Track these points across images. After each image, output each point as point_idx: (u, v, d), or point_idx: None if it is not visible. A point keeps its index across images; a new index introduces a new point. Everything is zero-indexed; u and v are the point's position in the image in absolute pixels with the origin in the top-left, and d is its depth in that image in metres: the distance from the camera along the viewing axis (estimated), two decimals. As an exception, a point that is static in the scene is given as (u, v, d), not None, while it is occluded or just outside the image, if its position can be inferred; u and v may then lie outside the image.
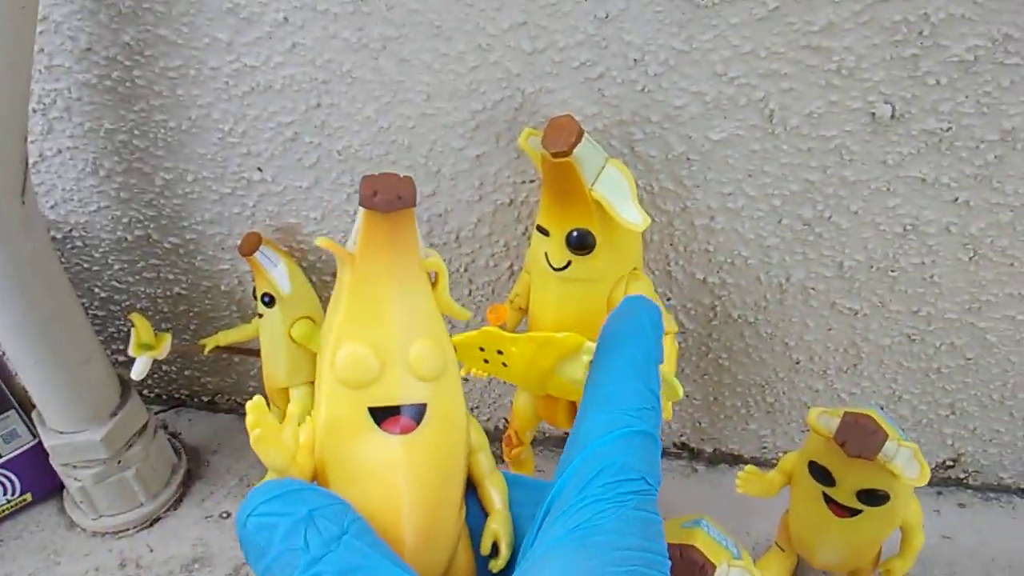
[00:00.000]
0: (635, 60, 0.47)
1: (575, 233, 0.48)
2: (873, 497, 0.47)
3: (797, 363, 0.60)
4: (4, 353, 0.60)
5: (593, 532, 0.23)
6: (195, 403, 0.77)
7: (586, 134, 0.45)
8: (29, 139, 0.53)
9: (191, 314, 0.68)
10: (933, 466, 0.64)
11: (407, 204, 0.28)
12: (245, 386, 0.73)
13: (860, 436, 0.44)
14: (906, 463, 0.45)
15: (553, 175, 0.47)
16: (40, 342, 0.55)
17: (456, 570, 0.27)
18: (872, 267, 0.53)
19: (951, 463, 0.64)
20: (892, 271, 0.53)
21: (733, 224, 0.53)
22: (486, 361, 0.52)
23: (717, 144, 0.49)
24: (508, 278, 0.60)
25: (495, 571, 0.28)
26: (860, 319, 0.56)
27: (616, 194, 0.46)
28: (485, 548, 0.28)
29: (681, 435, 0.68)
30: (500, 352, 0.52)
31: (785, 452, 0.54)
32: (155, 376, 0.75)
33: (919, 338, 0.56)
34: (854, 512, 0.49)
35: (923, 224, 0.51)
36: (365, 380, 0.26)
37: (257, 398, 0.25)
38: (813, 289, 0.55)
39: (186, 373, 0.74)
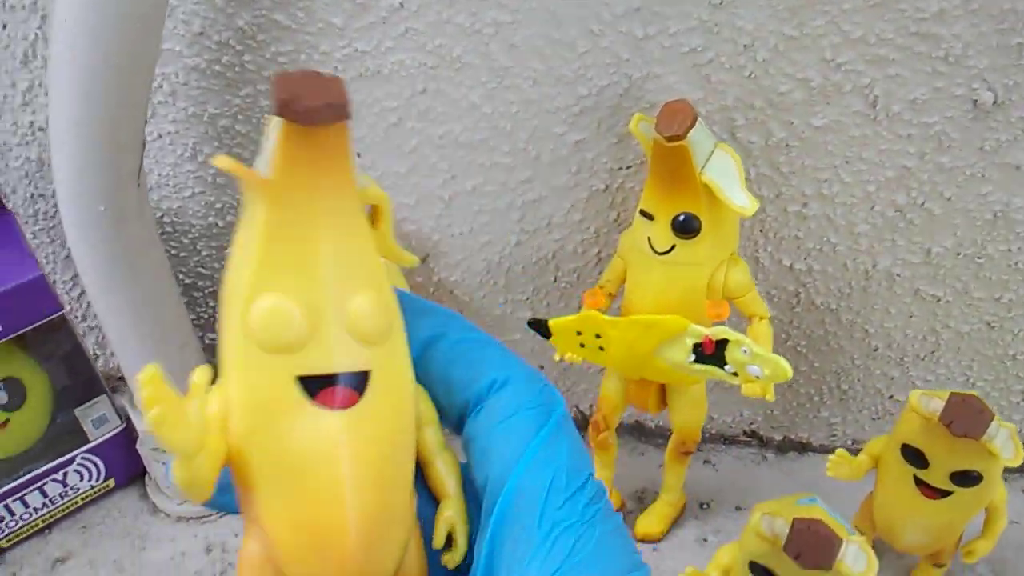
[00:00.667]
0: (745, 46, 0.49)
1: (682, 217, 0.49)
2: (966, 478, 0.48)
3: (875, 350, 0.61)
4: (103, 336, 0.60)
5: (581, 571, 0.20)
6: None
7: (699, 118, 0.47)
8: (139, 123, 0.54)
9: (272, 302, 0.69)
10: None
11: (341, 116, 0.21)
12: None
13: (968, 416, 0.45)
14: (1004, 443, 0.47)
15: (664, 159, 0.48)
16: (144, 325, 0.56)
17: (407, 569, 0.22)
18: (959, 254, 0.55)
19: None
20: (979, 258, 0.55)
21: (825, 210, 0.55)
22: (582, 345, 0.54)
23: (818, 130, 0.51)
24: (595, 265, 0.61)
25: (451, 567, 0.23)
26: (942, 306, 0.58)
27: (726, 178, 0.48)
28: (439, 540, 0.23)
29: (752, 423, 0.69)
30: (598, 336, 0.53)
31: (854, 440, 0.56)
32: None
33: (998, 325, 0.58)
34: (945, 494, 0.50)
35: (1013, 211, 0.52)
36: (290, 343, 0.20)
37: (150, 367, 0.19)
38: (898, 276, 0.57)
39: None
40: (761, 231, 0.57)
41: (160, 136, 0.59)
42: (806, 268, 0.58)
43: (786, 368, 0.44)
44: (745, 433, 0.71)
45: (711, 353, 0.48)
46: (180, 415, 0.19)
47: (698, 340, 0.48)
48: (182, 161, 0.61)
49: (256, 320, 0.20)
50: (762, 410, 0.68)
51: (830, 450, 0.68)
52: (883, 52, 0.47)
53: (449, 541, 0.23)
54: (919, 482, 0.50)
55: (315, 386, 0.20)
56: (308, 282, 0.21)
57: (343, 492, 0.20)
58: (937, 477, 0.49)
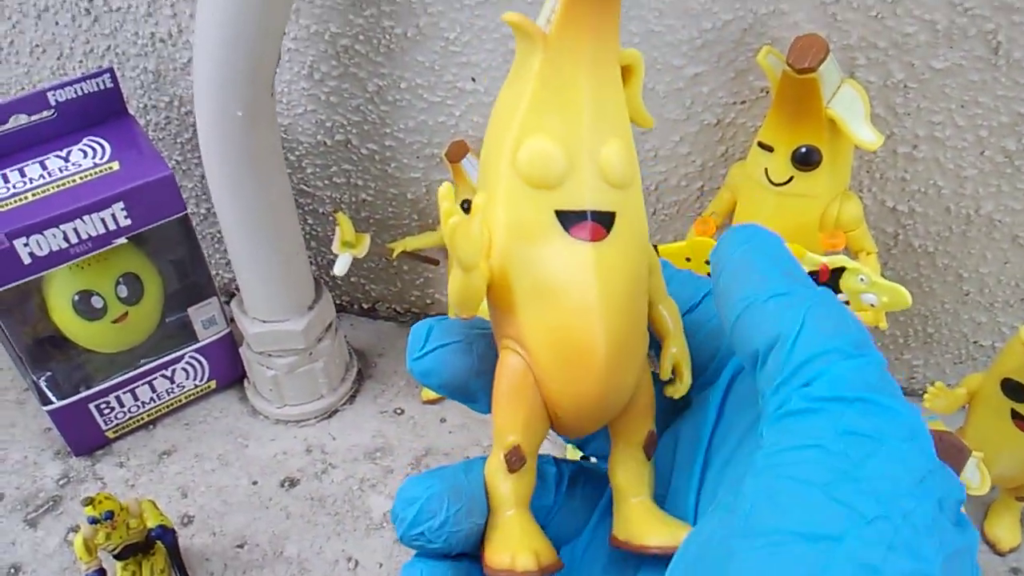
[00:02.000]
0: (876, -15, 0.49)
1: (804, 149, 0.51)
2: (1065, 415, 0.50)
3: (966, 295, 0.63)
4: (217, 243, 0.63)
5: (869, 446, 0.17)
6: (355, 309, 0.80)
7: (831, 53, 0.48)
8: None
9: (371, 220, 0.71)
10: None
11: None
12: (408, 295, 0.77)
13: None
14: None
15: (792, 92, 0.49)
16: (263, 230, 0.59)
17: (640, 392, 0.25)
18: (1063, 202, 0.56)
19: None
20: (1082, 207, 0.56)
21: (935, 153, 0.56)
22: (690, 271, 0.56)
23: (938, 73, 0.52)
24: (696, 199, 0.62)
25: (676, 397, 0.25)
26: (1038, 254, 0.59)
27: (852, 113, 0.49)
28: (665, 371, 0.25)
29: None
30: (707, 263, 0.55)
31: (933, 383, 0.57)
32: (317, 282, 0.79)
33: (1093, 275, 0.59)
34: (1041, 427, 0.52)
35: (1123, 162, 0.53)
36: (552, 180, 0.23)
37: (447, 184, 0.22)
38: (1000, 222, 0.58)
39: (351, 280, 0.77)
40: (867, 172, 0.58)
41: (279, 53, 0.61)
42: (908, 210, 0.59)
43: (906, 295, 0.46)
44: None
45: (824, 281, 0.50)
46: (468, 229, 0.22)
47: (814, 268, 0.50)
48: (297, 79, 0.63)
49: (524, 158, 0.23)
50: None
51: (908, 392, 0.70)
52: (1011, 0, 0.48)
53: (673, 374, 0.25)
54: (1016, 416, 0.52)
55: (569, 220, 0.23)
56: (570, 127, 0.23)
57: (593, 313, 0.22)
58: (1036, 411, 0.51)
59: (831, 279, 0.49)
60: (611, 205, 0.23)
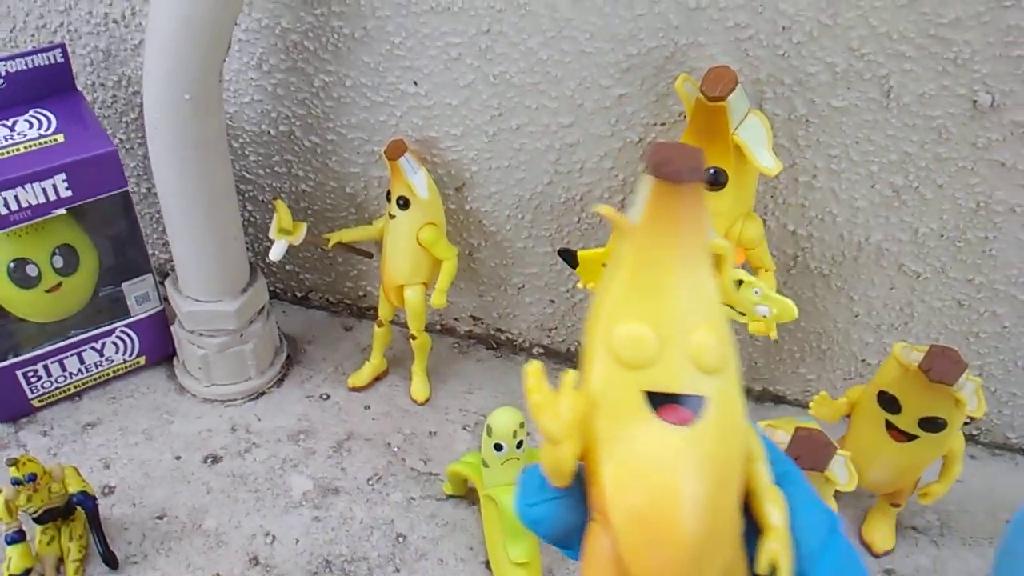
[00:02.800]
0: (783, 27, 0.54)
1: (712, 171, 0.56)
2: (933, 424, 0.56)
3: (856, 316, 0.69)
4: (157, 223, 0.64)
5: None
6: (288, 297, 0.83)
7: (740, 84, 0.53)
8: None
9: (309, 212, 0.74)
10: (952, 422, 0.74)
11: (699, 177, 0.25)
12: (341, 286, 0.80)
13: (946, 363, 0.52)
14: (970, 395, 0.54)
15: (703, 117, 0.54)
16: (204, 214, 0.61)
17: None
18: (942, 235, 0.62)
19: (968, 420, 0.73)
20: (959, 241, 0.62)
21: (831, 184, 0.61)
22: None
23: (836, 111, 0.57)
24: (618, 210, 0.67)
25: None
26: (920, 282, 0.65)
27: (755, 140, 0.54)
28: (761, 567, 0.24)
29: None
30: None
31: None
32: (253, 268, 0.81)
33: (967, 304, 0.65)
34: (911, 437, 0.57)
35: (994, 203, 0.59)
36: (643, 362, 0.24)
37: (536, 363, 0.24)
38: (887, 250, 0.64)
39: (287, 268, 0.80)
40: (772, 196, 0.63)
41: (229, 43, 0.64)
42: (807, 234, 0.64)
43: (792, 308, 0.51)
44: (726, 382, 0.78)
45: (721, 294, 0.55)
46: (554, 405, 0.24)
47: (713, 281, 0.54)
48: (246, 68, 0.65)
49: (619, 340, 0.24)
50: (748, 361, 0.75)
51: (803, 404, 0.76)
52: (903, 48, 0.54)
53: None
54: (890, 426, 0.57)
55: (658, 401, 0.24)
56: (661, 313, 0.24)
57: (678, 499, 0.23)
58: (907, 422, 0.56)
59: (730, 291, 0.54)
60: (702, 390, 0.24)
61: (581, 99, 0.61)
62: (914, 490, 0.63)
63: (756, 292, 0.53)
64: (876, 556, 0.65)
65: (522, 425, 0.58)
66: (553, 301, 0.75)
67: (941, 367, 0.52)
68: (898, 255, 0.64)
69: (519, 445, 0.58)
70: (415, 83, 0.63)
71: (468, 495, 0.66)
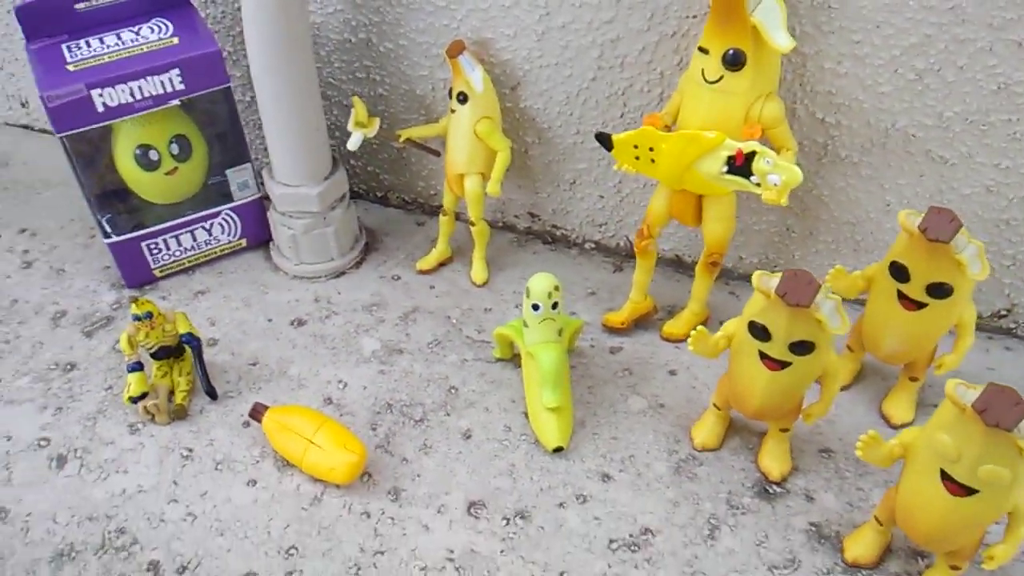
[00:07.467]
0: (801, -85, 0.59)
1: (731, 51, 0.61)
2: (940, 290, 0.59)
3: (888, 205, 0.72)
4: (258, 129, 0.75)
5: None
6: (370, 197, 0.93)
7: (755, -33, 0.58)
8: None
9: (386, 114, 0.83)
10: (988, 315, 0.76)
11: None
12: (415, 185, 0.89)
13: (940, 221, 0.55)
14: (972, 258, 0.57)
15: (722, 1, 0.59)
16: (294, 106, 0.71)
17: None
18: (967, 120, 0.65)
19: (1005, 312, 0.75)
20: (983, 125, 0.64)
21: (856, 70, 0.65)
22: (637, 159, 0.66)
23: (855, -5, 0.61)
24: (657, 104, 0.73)
25: None
26: (948, 168, 0.68)
27: (771, 20, 0.59)
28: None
29: (775, 265, 0.81)
30: (651, 149, 0.65)
31: None
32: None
33: (996, 190, 0.68)
34: (921, 306, 0.61)
35: (1014, 84, 0.62)
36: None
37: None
38: (914, 136, 0.67)
39: (369, 169, 0.89)
40: (800, 85, 0.67)
41: (317, -45, 0.73)
42: (835, 122, 0.68)
43: (797, 172, 0.56)
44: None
45: (740, 166, 0.60)
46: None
47: (731, 152, 0.60)
48: (331, -21, 0.75)
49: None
50: (786, 254, 0.79)
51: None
52: (916, -73, 0.57)
53: None
54: (901, 296, 0.61)
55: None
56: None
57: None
58: (915, 290, 0.60)
59: (745, 164, 0.60)
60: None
61: (619, -5, 0.67)
62: (930, 363, 0.66)
63: (767, 161, 0.58)
64: (894, 427, 0.69)
65: (557, 288, 0.65)
66: (602, 196, 0.81)
67: (936, 225, 0.56)
68: (925, 141, 0.67)
69: (554, 306, 0.66)
70: (473, -13, 0.71)
71: (514, 359, 0.74)
